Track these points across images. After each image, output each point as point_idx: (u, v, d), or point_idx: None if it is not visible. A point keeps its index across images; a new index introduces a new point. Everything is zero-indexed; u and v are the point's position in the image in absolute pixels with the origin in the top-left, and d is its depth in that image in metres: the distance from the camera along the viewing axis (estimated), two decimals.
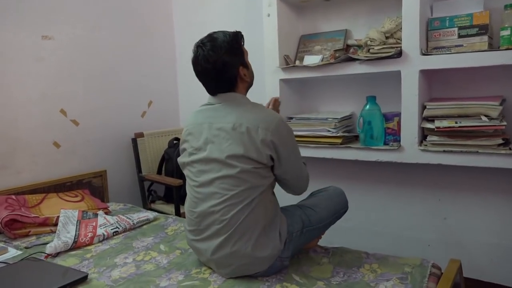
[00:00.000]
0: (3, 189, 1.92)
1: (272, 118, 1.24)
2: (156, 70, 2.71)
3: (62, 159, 2.19)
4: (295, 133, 2.09)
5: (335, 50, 1.97)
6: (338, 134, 1.95)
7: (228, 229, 1.22)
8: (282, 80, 2.11)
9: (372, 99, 1.88)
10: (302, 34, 2.26)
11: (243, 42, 1.33)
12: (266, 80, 2.16)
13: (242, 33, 1.33)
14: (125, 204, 2.22)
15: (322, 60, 2.07)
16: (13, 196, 1.85)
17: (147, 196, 2.52)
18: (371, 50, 1.81)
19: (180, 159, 1.36)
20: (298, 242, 1.35)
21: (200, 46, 1.26)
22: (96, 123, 2.35)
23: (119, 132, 2.49)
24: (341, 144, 1.94)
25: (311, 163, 2.22)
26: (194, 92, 2.91)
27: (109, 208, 2.06)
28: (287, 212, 1.38)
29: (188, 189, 1.35)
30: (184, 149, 1.36)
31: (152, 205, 2.48)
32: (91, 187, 2.26)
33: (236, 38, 1.29)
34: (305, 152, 2.05)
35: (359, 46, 2.03)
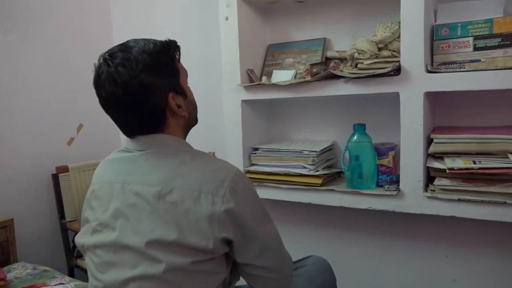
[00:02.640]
0: None
1: (223, 175, 0.82)
2: (89, 85, 2.23)
3: None
4: (260, 168, 1.70)
5: (312, 64, 1.59)
6: (318, 173, 1.56)
7: None
8: (244, 102, 1.71)
9: (360, 128, 1.51)
10: (270, 43, 1.88)
11: (178, 56, 0.91)
12: (224, 101, 1.75)
13: (178, 43, 0.91)
14: (35, 267, 1.71)
15: (295, 77, 1.68)
16: None
17: (72, 249, 2.02)
18: (359, 65, 1.44)
19: (79, 238, 0.90)
20: None
21: (107, 59, 0.83)
22: (1, 155, 1.84)
23: (34, 167, 1.98)
24: (321, 185, 1.55)
25: (281, 207, 1.82)
26: None
27: (7, 279, 1.55)
28: None
29: None
30: (87, 221, 0.91)
31: (79, 261, 1.99)
32: None
33: (165, 49, 0.87)
34: (274, 194, 1.64)
35: (342, 60, 1.67)
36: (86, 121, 2.21)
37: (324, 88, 1.50)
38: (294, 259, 1.29)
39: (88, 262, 0.88)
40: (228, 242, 0.82)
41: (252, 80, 1.72)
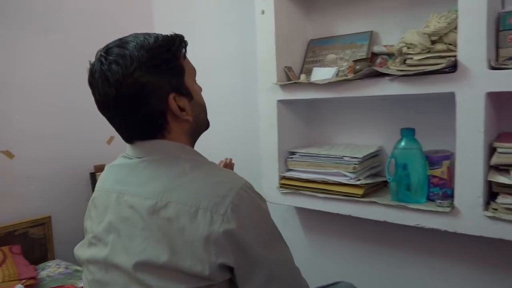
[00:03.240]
0: None
1: (226, 189, 0.70)
2: None
3: None
4: (296, 174, 1.57)
5: (355, 61, 1.43)
6: (359, 182, 1.40)
7: None
8: (280, 102, 1.59)
9: (409, 133, 1.33)
10: (312, 38, 1.73)
11: (184, 53, 0.80)
12: (259, 101, 1.64)
13: (185, 38, 0.81)
14: (67, 266, 1.72)
15: (336, 75, 1.53)
16: None
17: None
18: (408, 61, 1.27)
19: (77, 250, 0.84)
20: None
21: (101, 55, 0.75)
22: (39, 154, 1.88)
23: (73, 166, 2.01)
24: (362, 196, 1.39)
25: (319, 215, 1.68)
26: None
27: (38, 277, 1.56)
28: None
29: None
30: (86, 231, 0.84)
31: None
32: (28, 240, 1.78)
33: (168, 45, 0.76)
34: (310, 203, 1.51)
35: (390, 55, 1.49)
36: None
37: (367, 88, 1.34)
38: (323, 282, 1.16)
39: (83, 276, 0.82)
40: (229, 268, 0.71)
41: (289, 78, 1.59)
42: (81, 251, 0.81)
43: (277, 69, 1.57)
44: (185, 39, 0.81)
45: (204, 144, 2.23)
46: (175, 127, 0.78)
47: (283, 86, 1.55)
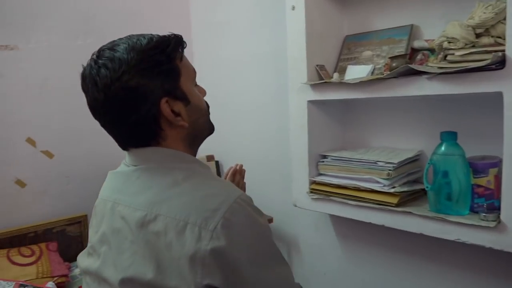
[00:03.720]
0: None
1: (217, 202, 0.65)
2: None
3: (27, 202, 1.80)
4: (327, 179, 1.47)
5: (392, 58, 1.32)
6: (393, 190, 1.29)
7: None
8: (311, 102, 1.51)
9: (450, 137, 1.20)
10: (347, 34, 1.63)
11: (180, 54, 0.75)
12: (290, 102, 1.57)
13: (182, 37, 0.76)
14: None
15: (372, 73, 1.43)
16: None
17: None
18: (449, 57, 1.14)
19: (79, 257, 0.82)
20: None
21: (92, 59, 0.72)
22: (78, 154, 1.94)
23: (109, 165, 2.04)
24: (397, 205, 1.28)
25: (351, 224, 1.59)
26: (216, 111, 2.42)
27: (70, 275, 1.60)
28: None
29: None
30: (89, 239, 0.83)
31: None
32: (65, 238, 1.84)
33: (162, 46, 0.72)
34: (340, 210, 1.43)
35: (432, 50, 1.36)
36: None
37: (402, 87, 1.23)
38: None
39: (83, 286, 0.80)
40: None
41: (321, 77, 1.51)
42: (81, 259, 0.80)
43: (307, 68, 1.49)
44: (183, 39, 0.76)
45: (234, 145, 2.21)
46: (170, 133, 0.74)
47: (313, 86, 1.47)
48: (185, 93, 0.74)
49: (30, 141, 1.80)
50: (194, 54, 2.39)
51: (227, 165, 2.29)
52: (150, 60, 0.70)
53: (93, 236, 0.78)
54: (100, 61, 0.70)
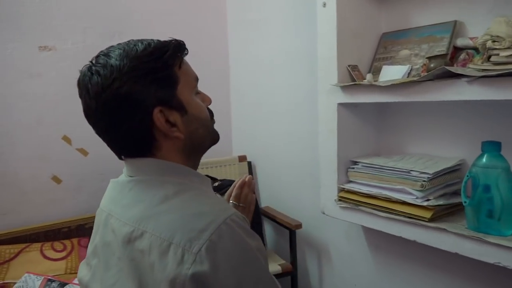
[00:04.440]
0: None
1: (205, 222, 0.60)
2: (206, 81, 2.20)
3: (62, 198, 1.87)
4: (357, 187, 1.38)
5: (430, 58, 1.21)
6: (427, 203, 1.19)
7: None
8: (341, 105, 1.42)
9: (492, 147, 1.08)
10: (385, 31, 1.53)
11: (179, 60, 0.71)
12: (319, 104, 1.49)
13: (184, 43, 0.72)
14: None
15: (408, 74, 1.32)
16: None
17: None
18: (493, 58, 1.02)
19: (80, 265, 0.80)
20: None
21: (88, 66, 0.70)
22: (111, 152, 1.96)
23: None
24: (430, 220, 1.17)
25: (384, 235, 1.49)
26: (249, 111, 2.41)
27: None
28: None
29: None
30: None
31: None
32: None
33: (159, 52, 0.68)
34: (370, 221, 1.34)
35: (477, 50, 1.23)
36: None
37: (439, 91, 1.12)
38: None
39: None
40: None
41: (353, 78, 1.42)
42: (80, 268, 0.79)
43: (338, 68, 1.41)
44: (184, 45, 0.72)
45: (267, 146, 2.16)
46: (165, 144, 0.70)
47: (343, 88, 1.38)
48: (182, 102, 0.69)
49: (66, 139, 1.86)
50: (230, 53, 2.36)
51: (260, 167, 2.25)
52: (144, 67, 0.66)
53: (89, 246, 0.76)
54: (93, 67, 0.68)
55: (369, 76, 1.40)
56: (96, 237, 0.74)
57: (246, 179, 0.90)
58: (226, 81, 2.36)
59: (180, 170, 0.71)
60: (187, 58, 0.74)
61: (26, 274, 1.47)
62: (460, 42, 1.28)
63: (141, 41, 0.70)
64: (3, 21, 1.70)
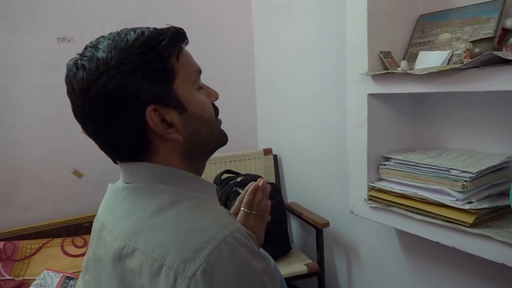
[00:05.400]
0: (1, 229, 1.66)
1: (202, 240, 0.52)
2: (230, 69, 2.11)
3: (84, 192, 1.85)
4: (389, 186, 1.26)
5: (474, 41, 1.07)
6: (469, 207, 1.06)
7: None
8: (372, 96, 1.30)
9: None
10: (422, 13, 1.38)
11: (176, 50, 0.62)
12: (348, 95, 1.38)
13: (183, 30, 0.64)
14: None
15: (449, 61, 1.18)
16: (1, 243, 1.56)
17: None
18: None
19: (79, 276, 0.75)
20: None
21: (75, 59, 0.62)
22: None
23: None
24: (472, 225, 1.05)
25: (415, 238, 1.38)
26: (275, 101, 2.29)
27: None
28: None
29: None
30: None
31: None
32: None
33: (152, 42, 0.59)
34: (403, 223, 1.23)
35: None
36: (226, 109, 2.15)
37: (485, 80, 0.98)
38: None
39: None
40: None
41: (386, 66, 1.29)
42: (78, 280, 0.73)
43: (369, 55, 1.29)
44: (184, 33, 0.63)
45: (293, 139, 2.05)
46: (162, 147, 0.62)
47: (374, 77, 1.26)
48: (180, 99, 0.61)
49: None
50: (255, 40, 2.26)
51: (286, 161, 2.15)
52: (135, 60, 0.58)
53: (85, 257, 0.70)
54: (79, 61, 0.60)
55: (403, 64, 1.27)
56: (90, 249, 0.67)
57: (260, 184, 0.81)
58: (252, 70, 2.26)
59: (178, 176, 0.63)
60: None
61: (45, 271, 1.46)
62: (510, 23, 1.13)
63: (135, 29, 0.62)
64: (20, 13, 1.68)
